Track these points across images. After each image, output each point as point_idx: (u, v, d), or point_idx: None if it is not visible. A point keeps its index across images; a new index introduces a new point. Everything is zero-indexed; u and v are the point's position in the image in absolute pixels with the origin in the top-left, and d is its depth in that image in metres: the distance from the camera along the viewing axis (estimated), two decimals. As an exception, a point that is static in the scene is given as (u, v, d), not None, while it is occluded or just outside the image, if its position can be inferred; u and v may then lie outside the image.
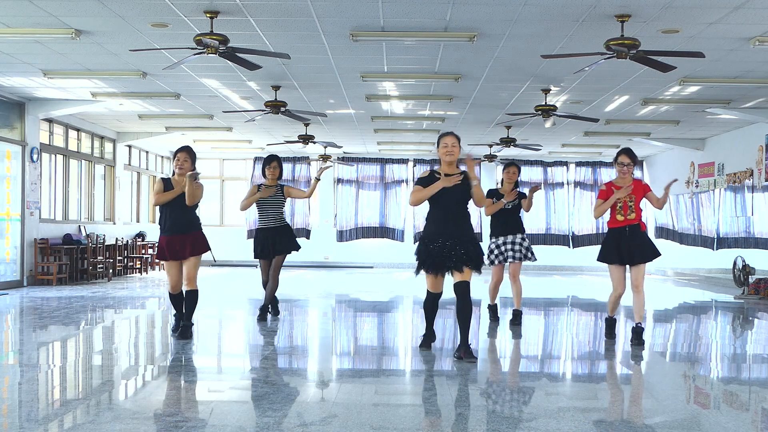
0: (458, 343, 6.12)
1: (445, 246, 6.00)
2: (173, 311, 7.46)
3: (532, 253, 8.25)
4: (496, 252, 8.21)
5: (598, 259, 7.04)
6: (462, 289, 6.00)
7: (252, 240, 9.77)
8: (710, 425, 4.26)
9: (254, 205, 8.46)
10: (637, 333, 6.89)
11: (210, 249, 7.21)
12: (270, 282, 8.39)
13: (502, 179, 8.41)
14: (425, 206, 6.26)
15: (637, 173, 19.60)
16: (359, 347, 7.25)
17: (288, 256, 8.51)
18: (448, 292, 6.29)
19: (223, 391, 5.16)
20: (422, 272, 6.19)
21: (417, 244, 6.26)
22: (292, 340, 7.49)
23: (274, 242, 8.34)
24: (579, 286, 15.08)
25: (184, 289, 7.11)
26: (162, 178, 7.18)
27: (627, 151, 6.90)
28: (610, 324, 7.28)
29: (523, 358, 6.81)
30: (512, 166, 8.32)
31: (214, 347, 7.28)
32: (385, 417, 4.32)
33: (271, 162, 8.50)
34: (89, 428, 4.00)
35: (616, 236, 6.85)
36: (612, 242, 6.87)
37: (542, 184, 7.78)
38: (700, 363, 6.61)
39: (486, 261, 8.31)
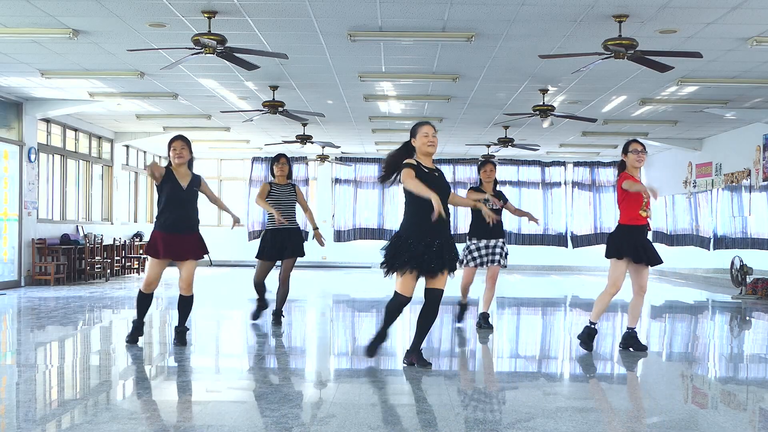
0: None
1: (434, 245, 5.55)
2: (133, 317, 6.75)
3: (506, 259, 7.93)
4: (475, 254, 7.82)
5: (611, 255, 6.48)
6: (436, 297, 5.67)
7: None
8: (708, 425, 4.26)
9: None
10: (634, 337, 6.65)
11: (208, 252, 6.67)
12: (280, 287, 8.02)
13: (480, 179, 7.98)
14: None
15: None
16: (357, 347, 7.24)
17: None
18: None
19: (220, 392, 5.16)
20: (391, 272, 5.64)
21: (391, 241, 5.70)
22: (289, 341, 7.48)
23: (283, 245, 7.93)
24: (577, 286, 15.09)
25: (181, 294, 6.58)
26: (165, 166, 6.80)
27: (636, 140, 6.55)
28: (591, 334, 6.59)
29: (521, 358, 6.82)
30: (488, 164, 7.91)
31: (211, 347, 7.27)
32: (382, 417, 4.33)
33: (279, 159, 8.21)
34: (87, 428, 4.00)
35: (637, 233, 6.45)
36: (631, 239, 6.42)
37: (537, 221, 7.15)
38: (698, 363, 6.61)
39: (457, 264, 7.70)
